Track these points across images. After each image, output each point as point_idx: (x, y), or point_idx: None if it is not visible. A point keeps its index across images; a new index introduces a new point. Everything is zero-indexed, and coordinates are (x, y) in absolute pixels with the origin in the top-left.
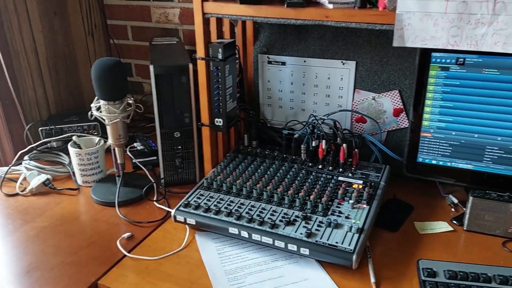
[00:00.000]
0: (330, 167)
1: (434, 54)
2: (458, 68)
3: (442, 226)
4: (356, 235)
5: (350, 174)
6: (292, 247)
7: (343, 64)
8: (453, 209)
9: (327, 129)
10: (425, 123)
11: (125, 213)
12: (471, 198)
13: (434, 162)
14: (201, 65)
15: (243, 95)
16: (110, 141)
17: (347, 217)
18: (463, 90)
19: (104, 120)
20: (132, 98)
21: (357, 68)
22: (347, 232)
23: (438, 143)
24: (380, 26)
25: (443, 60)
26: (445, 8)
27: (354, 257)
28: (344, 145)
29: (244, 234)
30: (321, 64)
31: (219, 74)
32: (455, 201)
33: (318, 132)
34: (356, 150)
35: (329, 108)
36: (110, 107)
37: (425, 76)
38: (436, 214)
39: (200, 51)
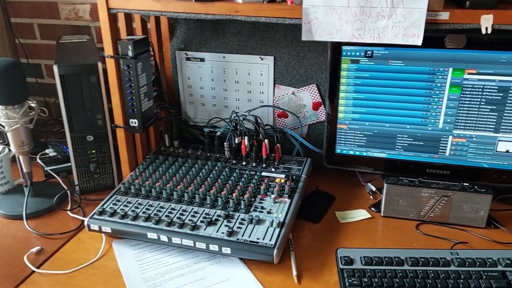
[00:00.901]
0: (254, 163)
1: (344, 47)
2: (367, 60)
3: (361, 214)
4: (278, 230)
5: (273, 169)
6: (214, 247)
7: (262, 59)
8: (371, 197)
9: (250, 125)
10: (340, 115)
11: (35, 226)
12: (385, 185)
13: (351, 152)
14: (110, 64)
15: (162, 94)
16: (12, 149)
17: (269, 212)
18: (373, 82)
19: (3, 126)
20: (34, 102)
21: (275, 63)
22: (268, 227)
23: (353, 134)
24: (289, 21)
25: (353, 53)
26: (347, 2)
27: (275, 252)
28: (266, 140)
29: (164, 238)
30: (240, 60)
31: (131, 72)
32: (373, 188)
33: (241, 128)
34: (278, 145)
35: (251, 104)
36: (8, 112)
37: (337, 70)
38: (356, 203)
39: (108, 49)
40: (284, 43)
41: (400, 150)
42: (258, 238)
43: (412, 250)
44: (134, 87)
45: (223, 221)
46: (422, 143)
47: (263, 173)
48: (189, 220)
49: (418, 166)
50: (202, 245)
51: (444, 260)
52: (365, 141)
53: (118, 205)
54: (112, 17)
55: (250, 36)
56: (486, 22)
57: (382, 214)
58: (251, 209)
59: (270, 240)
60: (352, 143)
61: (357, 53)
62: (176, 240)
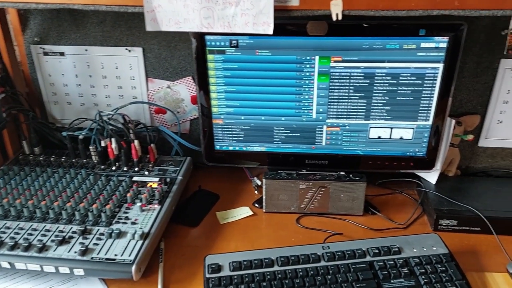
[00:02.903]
0: (125, 168)
1: (207, 37)
2: (233, 50)
3: (243, 212)
4: (140, 242)
5: (146, 172)
6: (64, 269)
7: (129, 51)
8: (256, 192)
9: (120, 125)
10: (214, 109)
11: None
12: (264, 180)
13: (231, 148)
14: None
15: (15, 95)
16: None
17: (133, 223)
18: (242, 73)
19: None
20: None
21: (145, 55)
22: (130, 240)
23: (231, 129)
24: (132, 9)
25: (218, 43)
26: None
27: (134, 268)
28: (136, 141)
29: (5, 264)
30: (105, 53)
31: None
32: (259, 183)
33: (107, 129)
34: (152, 145)
35: (123, 101)
36: None
37: (204, 61)
38: (241, 200)
39: None
40: (153, 33)
41: (279, 143)
42: (116, 254)
43: (284, 248)
44: None
45: (78, 238)
46: (298, 134)
47: (135, 178)
48: (38, 240)
49: (298, 158)
50: (51, 269)
51: (314, 256)
52: (243, 135)
53: None
54: None
55: (115, 26)
56: (336, 8)
57: (264, 210)
58: (113, 221)
59: (129, 256)
60: (230, 138)
61: (222, 43)
62: (20, 265)
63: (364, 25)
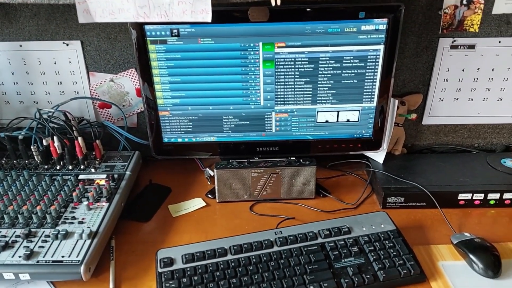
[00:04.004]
0: (70, 166)
1: (147, 27)
2: (175, 40)
3: (196, 204)
4: (88, 241)
5: (93, 170)
6: (9, 275)
7: (67, 45)
8: (209, 183)
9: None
10: (160, 101)
11: None
12: (215, 170)
13: (179, 140)
14: None
15: None
16: None
17: (81, 222)
18: (185, 63)
19: None
20: None
21: (84, 48)
22: (78, 240)
23: (178, 120)
24: (64, 0)
25: (158, 33)
26: None
27: (82, 268)
28: (80, 138)
29: None
30: (42, 48)
31: None
32: (212, 173)
33: (51, 127)
34: (97, 141)
35: (64, 97)
36: None
37: (146, 52)
38: (194, 191)
39: None
40: (91, 24)
41: (229, 132)
42: (63, 256)
43: (237, 237)
44: None
45: (22, 242)
46: (248, 122)
47: (81, 176)
48: None
49: (249, 146)
50: None
51: (267, 242)
52: (191, 126)
53: None
54: None
55: (50, 19)
56: None
57: (217, 200)
58: (60, 222)
59: (77, 256)
60: (179, 130)
61: (163, 33)
62: None
63: (306, 9)
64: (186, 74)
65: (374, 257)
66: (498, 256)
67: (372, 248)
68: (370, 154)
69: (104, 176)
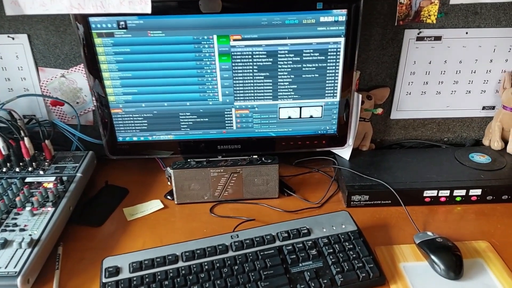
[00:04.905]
0: (17, 168)
1: (91, 19)
2: (123, 33)
3: (153, 206)
4: (28, 251)
5: (41, 172)
6: None
7: (13, 39)
8: (169, 183)
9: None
10: (111, 98)
11: None
12: (172, 170)
13: (135, 139)
14: None
15: None
16: None
17: (22, 230)
18: (135, 57)
19: None
20: None
21: (31, 42)
22: (17, 249)
23: (132, 118)
24: None
25: (104, 26)
26: None
27: (19, 280)
28: (26, 138)
29: None
30: None
31: None
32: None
33: None
34: (46, 141)
35: (13, 94)
36: None
37: (92, 46)
38: (153, 192)
39: None
40: (38, 17)
41: (187, 130)
42: (0, 267)
43: (190, 242)
44: None
45: None
46: (207, 119)
47: (28, 179)
48: None
49: (209, 144)
50: None
51: (221, 247)
52: (146, 124)
53: None
54: None
55: None
56: None
57: (176, 202)
58: None
59: (14, 267)
60: (133, 128)
61: (109, 25)
62: None
63: (261, 0)
64: (137, 69)
65: (333, 260)
66: (460, 256)
67: (331, 250)
68: (337, 150)
69: (53, 178)
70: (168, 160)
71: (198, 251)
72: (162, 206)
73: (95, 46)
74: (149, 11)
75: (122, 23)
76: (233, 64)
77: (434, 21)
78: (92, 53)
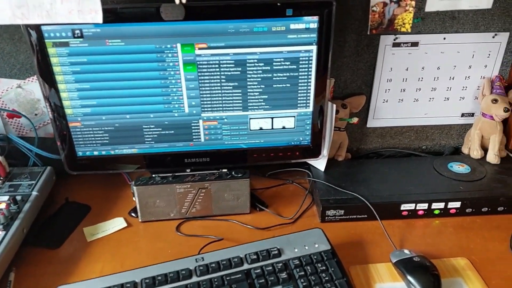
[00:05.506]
0: None
1: (44, 28)
2: (79, 42)
3: (116, 224)
4: None
5: None
6: None
7: None
8: (134, 198)
9: None
10: (68, 111)
11: None
12: (134, 187)
13: (96, 153)
14: None
15: None
16: None
17: None
18: (93, 68)
19: None
20: None
21: None
22: None
23: (92, 132)
24: None
25: (58, 34)
26: None
27: None
28: None
29: None
30: None
31: None
32: None
33: None
34: (0, 157)
35: None
36: None
37: (46, 56)
38: (116, 210)
39: None
40: None
41: (151, 143)
42: None
43: (151, 267)
44: None
45: None
46: (172, 131)
47: None
48: None
49: (175, 157)
50: None
51: (185, 272)
52: (108, 138)
53: None
54: None
55: None
56: None
57: (140, 220)
58: None
59: None
60: (94, 142)
61: (63, 34)
62: None
63: (226, 6)
64: (96, 80)
65: (304, 283)
66: (438, 276)
67: (303, 273)
68: (311, 161)
69: (6, 198)
70: (135, 174)
71: (159, 277)
72: (125, 224)
73: (49, 56)
74: (100, 20)
75: (77, 31)
76: (199, 73)
77: (409, 30)
78: (46, 63)
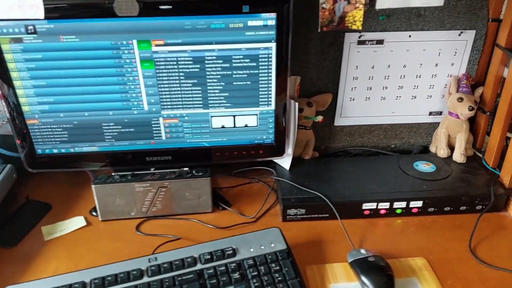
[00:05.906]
0: None
1: None
2: (32, 38)
3: (75, 223)
4: None
5: None
6: None
7: None
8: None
9: None
10: (25, 108)
11: None
12: (92, 186)
13: (55, 151)
14: None
15: None
16: None
17: None
18: (49, 64)
19: None
20: None
21: None
22: None
23: (50, 129)
24: None
25: (11, 30)
26: None
27: None
28: None
29: None
30: None
31: None
32: None
33: None
34: None
35: None
36: None
37: (0, 52)
38: (78, 208)
39: None
40: None
41: (112, 141)
42: None
43: (102, 267)
44: None
45: None
46: (132, 129)
47: None
48: None
49: (136, 156)
50: None
51: (136, 273)
52: (67, 135)
53: None
54: None
55: None
56: None
57: (100, 219)
58: None
59: None
60: (53, 140)
61: (16, 30)
62: None
63: (182, 2)
64: (52, 77)
65: (256, 284)
66: (392, 276)
67: (256, 273)
68: (276, 160)
69: None
70: (100, 172)
71: (109, 278)
72: (85, 223)
73: (2, 52)
74: (41, 16)
75: (30, 27)
76: (157, 70)
77: (360, 27)
78: (0, 60)
